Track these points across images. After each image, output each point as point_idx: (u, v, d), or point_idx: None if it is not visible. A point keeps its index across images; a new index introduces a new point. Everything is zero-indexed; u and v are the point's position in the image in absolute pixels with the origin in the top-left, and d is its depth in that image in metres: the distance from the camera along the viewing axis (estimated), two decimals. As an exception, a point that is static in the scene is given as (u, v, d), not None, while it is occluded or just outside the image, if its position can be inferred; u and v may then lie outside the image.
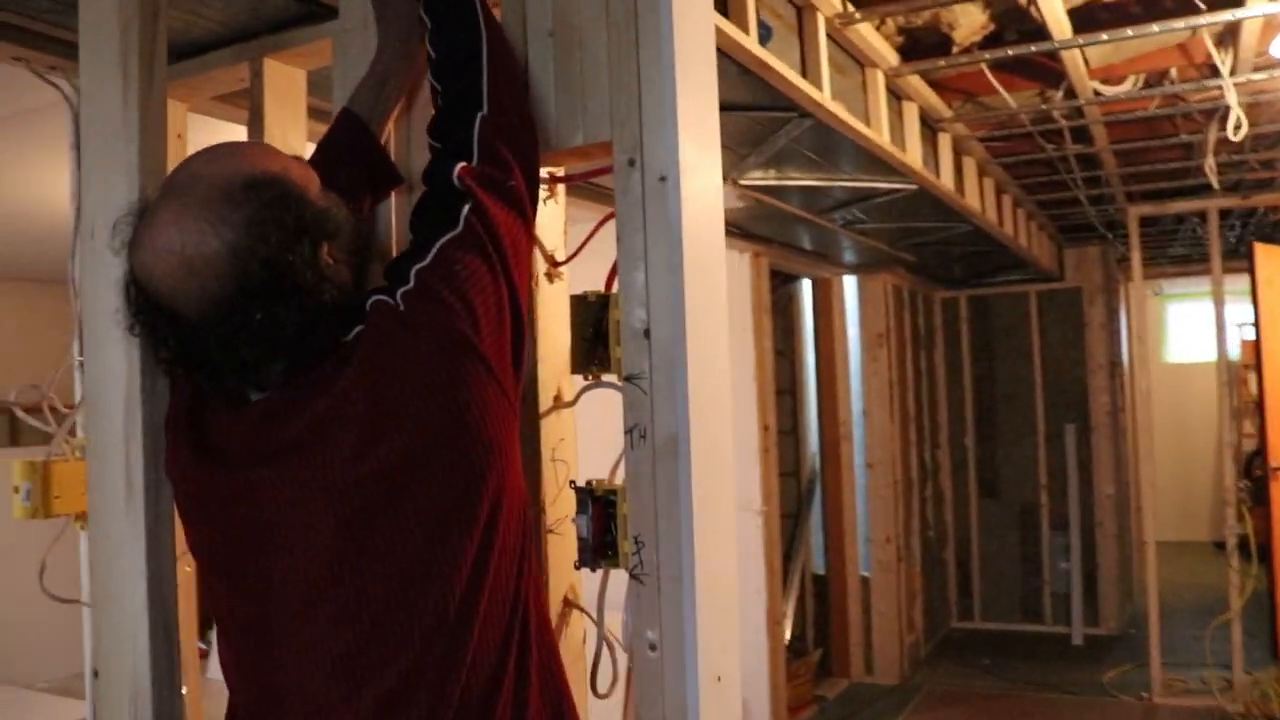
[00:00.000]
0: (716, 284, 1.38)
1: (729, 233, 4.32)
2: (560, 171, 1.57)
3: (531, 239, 1.34)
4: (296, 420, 1.14)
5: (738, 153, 3.24)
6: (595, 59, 1.43)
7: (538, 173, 1.38)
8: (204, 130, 2.28)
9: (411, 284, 1.17)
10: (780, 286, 5.72)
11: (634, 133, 1.37)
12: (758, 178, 3.52)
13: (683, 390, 1.31)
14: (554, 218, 1.56)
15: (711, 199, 1.39)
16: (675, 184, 1.33)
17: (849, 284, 5.97)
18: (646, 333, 1.36)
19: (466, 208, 1.22)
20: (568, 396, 1.54)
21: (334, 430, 1.12)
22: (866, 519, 5.88)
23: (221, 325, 1.14)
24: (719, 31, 2.02)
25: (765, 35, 2.37)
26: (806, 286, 6.03)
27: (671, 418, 1.32)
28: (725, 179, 3.42)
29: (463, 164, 1.25)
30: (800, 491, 5.99)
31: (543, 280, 1.53)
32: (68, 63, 2.23)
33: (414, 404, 1.12)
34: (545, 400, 1.51)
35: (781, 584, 4.99)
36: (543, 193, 1.54)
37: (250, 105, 1.98)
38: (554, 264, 1.54)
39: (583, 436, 1.60)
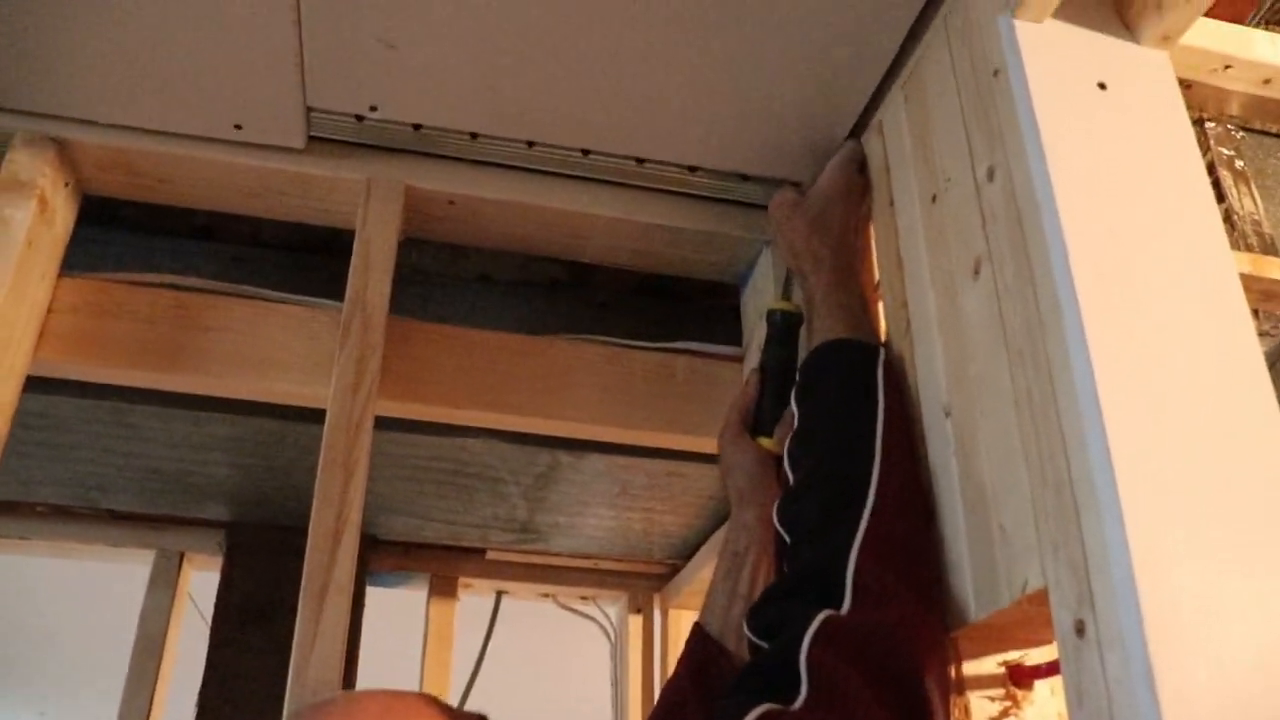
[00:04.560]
0: None
1: None
2: (1024, 657, 0.88)
3: None
4: None
5: None
6: (1003, 434, 0.81)
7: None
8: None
9: None
10: None
11: (1076, 564, 0.70)
12: None
13: None
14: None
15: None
16: (1144, 672, 0.61)
17: None
18: None
19: None
20: None
21: None
22: None
23: None
24: None
25: None
26: None
27: None
28: None
29: (761, 711, 0.72)
30: None
31: None
32: (600, 591, 2.09)
33: None
34: None
35: None
36: (991, 702, 0.87)
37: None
38: None
39: None
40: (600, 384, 1.31)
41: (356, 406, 1.09)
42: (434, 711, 0.79)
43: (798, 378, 1.02)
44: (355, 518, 1.03)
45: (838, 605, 0.79)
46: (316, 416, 1.15)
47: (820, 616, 0.77)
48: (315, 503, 1.05)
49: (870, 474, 0.86)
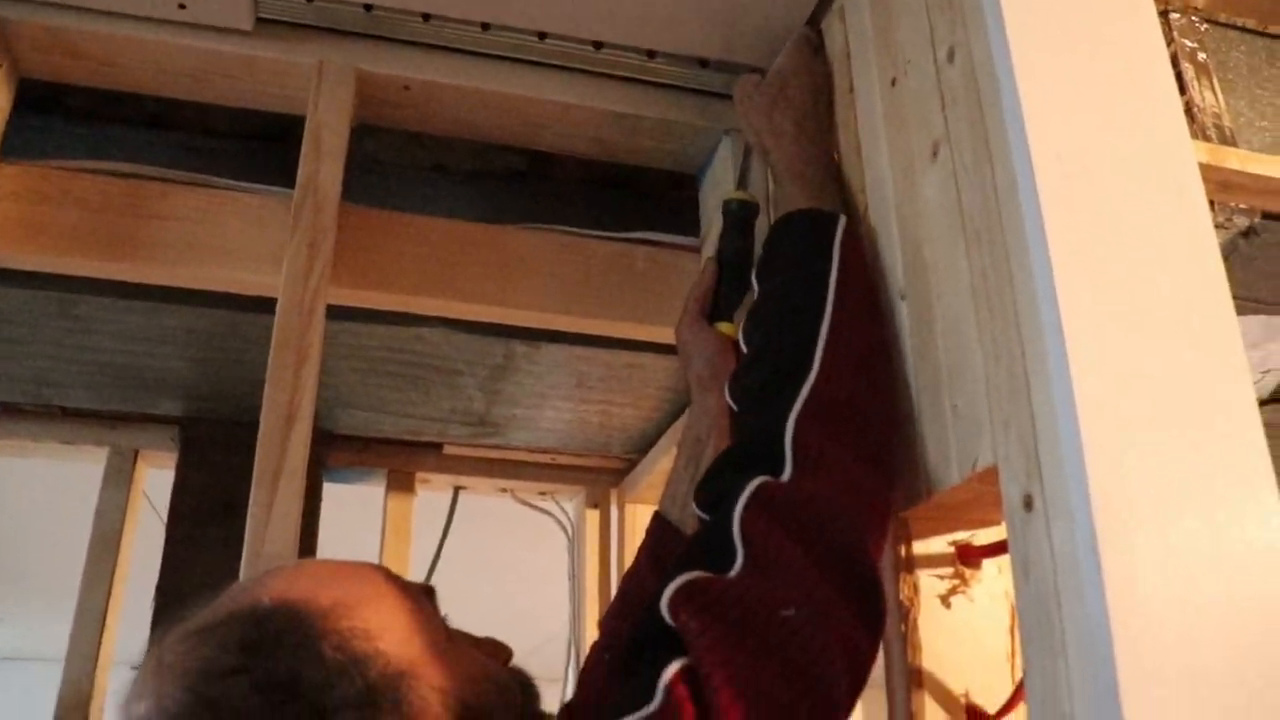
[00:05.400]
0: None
1: None
2: (973, 537, 0.91)
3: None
4: None
5: None
6: (958, 316, 0.82)
7: (875, 588, 0.75)
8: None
9: None
10: None
11: (1025, 444, 0.71)
12: None
13: None
14: (976, 619, 0.88)
15: (1233, 579, 0.64)
16: (1090, 544, 0.63)
17: None
18: None
19: (672, 670, 0.66)
20: None
21: None
22: None
23: None
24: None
25: None
26: None
27: None
28: None
29: (685, 579, 0.71)
30: None
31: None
32: (558, 486, 2.10)
33: None
34: None
35: None
36: (940, 580, 0.89)
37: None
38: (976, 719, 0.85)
39: None
40: (558, 273, 1.30)
41: (309, 290, 1.08)
42: (380, 578, 0.80)
43: (760, 254, 1.02)
44: (308, 403, 1.03)
45: (778, 472, 0.78)
46: (272, 307, 1.14)
47: (754, 482, 0.77)
48: (267, 388, 1.04)
49: (816, 337, 0.85)
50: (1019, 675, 0.87)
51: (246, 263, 1.22)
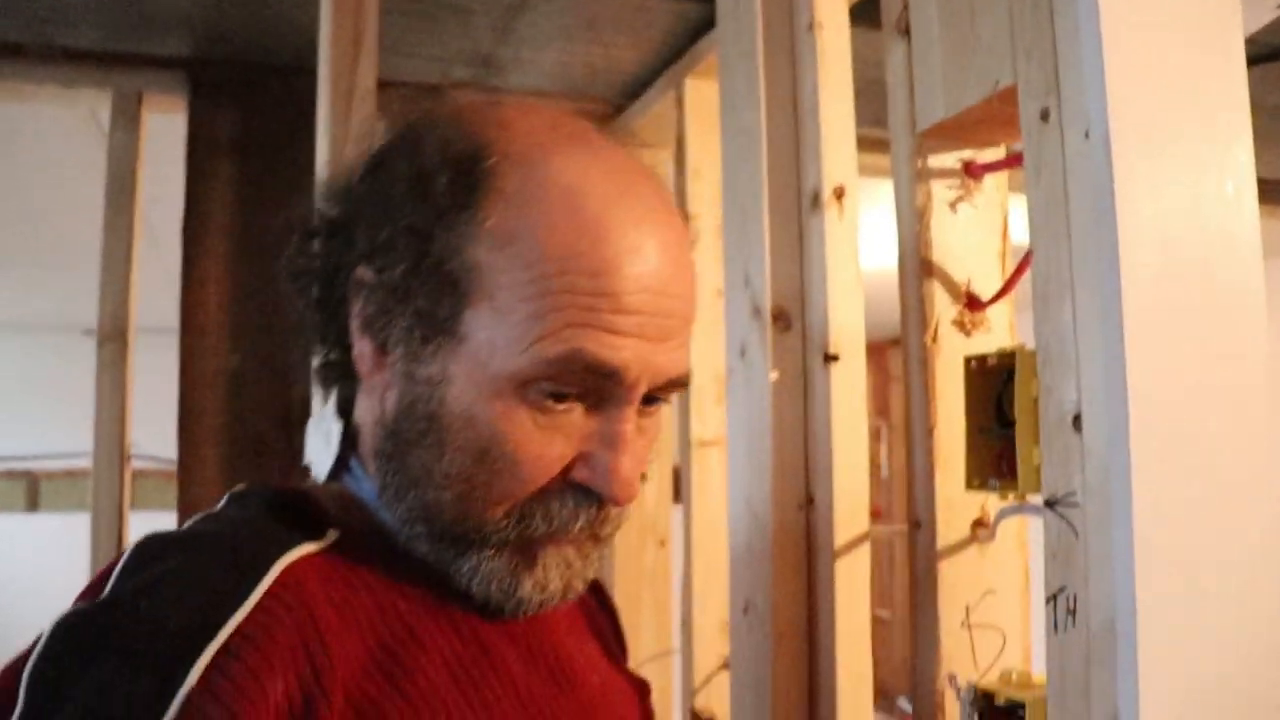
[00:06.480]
0: (1228, 330, 0.77)
1: None
2: (980, 156, 1.04)
3: None
4: None
5: None
6: (988, -47, 0.92)
7: None
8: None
9: None
10: None
11: (1045, 63, 0.83)
12: None
13: (1125, 536, 0.73)
14: (976, 223, 1.03)
15: (1208, 176, 0.78)
16: (1104, 143, 0.76)
17: None
18: (1077, 421, 0.80)
19: None
20: (991, 520, 0.99)
21: None
22: None
23: None
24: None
25: None
26: None
27: (1107, 585, 0.74)
28: None
29: None
30: None
31: (949, 333, 1.00)
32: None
33: None
34: (951, 528, 0.98)
35: None
36: (949, 190, 1.03)
37: (676, 133, 1.74)
38: (972, 304, 1.01)
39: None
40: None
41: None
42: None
43: None
44: (373, 20, 1.09)
45: None
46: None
47: None
48: (328, 10, 1.10)
49: None
50: (1008, 272, 1.03)
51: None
